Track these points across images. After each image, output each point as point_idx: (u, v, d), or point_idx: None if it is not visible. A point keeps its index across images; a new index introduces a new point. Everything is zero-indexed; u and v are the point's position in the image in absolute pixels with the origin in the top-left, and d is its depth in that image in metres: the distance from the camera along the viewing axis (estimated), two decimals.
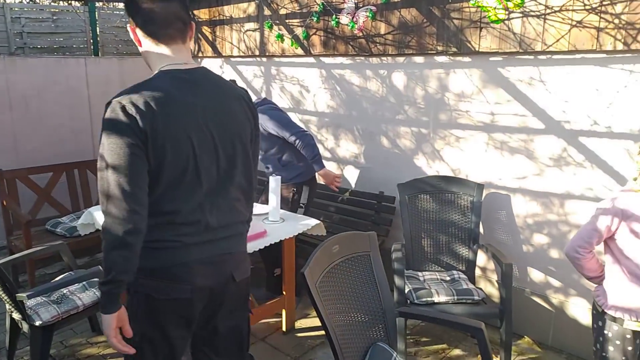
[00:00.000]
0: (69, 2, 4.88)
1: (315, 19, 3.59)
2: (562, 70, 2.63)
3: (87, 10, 5.07)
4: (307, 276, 1.70)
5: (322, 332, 2.93)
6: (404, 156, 3.40)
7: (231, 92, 1.58)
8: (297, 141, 3.06)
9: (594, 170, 2.58)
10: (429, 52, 3.11)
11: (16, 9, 4.81)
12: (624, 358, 1.85)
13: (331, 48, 3.62)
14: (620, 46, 2.38)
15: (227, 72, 4.56)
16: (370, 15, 3.25)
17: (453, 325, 1.98)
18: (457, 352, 2.76)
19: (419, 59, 3.21)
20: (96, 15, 5.17)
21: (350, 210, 3.60)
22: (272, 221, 2.84)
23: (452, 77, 3.07)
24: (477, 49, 2.87)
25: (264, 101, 3.34)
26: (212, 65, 4.66)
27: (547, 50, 2.62)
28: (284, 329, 2.95)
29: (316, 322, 3.09)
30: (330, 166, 3.88)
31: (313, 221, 2.88)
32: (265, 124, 3.11)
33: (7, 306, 2.41)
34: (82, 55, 5.12)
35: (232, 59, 4.47)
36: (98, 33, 5.20)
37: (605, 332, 1.89)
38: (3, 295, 2.29)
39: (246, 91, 1.69)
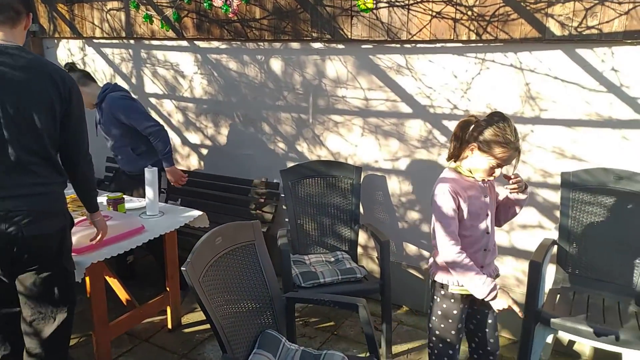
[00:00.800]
0: None
1: (187, 0, 3.42)
2: (425, 58, 2.83)
3: None
4: (189, 272, 1.64)
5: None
6: (285, 142, 3.42)
7: (38, 69, 1.79)
8: (151, 135, 3.05)
9: None
10: (305, 38, 3.14)
11: None
12: (450, 321, 1.92)
13: (205, 32, 3.48)
14: (473, 36, 2.63)
15: (89, 55, 4.16)
16: None
17: (337, 304, 2.07)
18: (345, 328, 2.90)
19: (296, 45, 3.23)
20: None
21: (234, 199, 3.55)
22: (151, 215, 2.69)
23: (328, 63, 3.14)
24: (349, 37, 2.97)
25: (115, 87, 3.16)
26: (72, 46, 4.23)
27: (412, 39, 2.80)
28: (169, 326, 2.84)
29: (203, 316, 3.02)
30: (211, 154, 3.77)
31: (195, 212, 2.78)
32: (116, 113, 3.04)
33: None
34: None
35: (94, 41, 4.09)
36: None
37: (435, 297, 1.96)
38: None
39: (66, 72, 1.90)
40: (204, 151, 3.82)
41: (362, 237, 3.19)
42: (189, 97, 3.76)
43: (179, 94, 3.81)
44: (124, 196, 2.76)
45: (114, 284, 2.78)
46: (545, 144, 2.58)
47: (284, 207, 3.45)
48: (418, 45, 2.84)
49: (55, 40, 4.33)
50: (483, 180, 1.87)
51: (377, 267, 3.19)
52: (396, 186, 3.07)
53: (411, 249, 3.09)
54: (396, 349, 2.69)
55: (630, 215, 2.34)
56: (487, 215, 1.91)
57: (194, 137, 3.83)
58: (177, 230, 2.70)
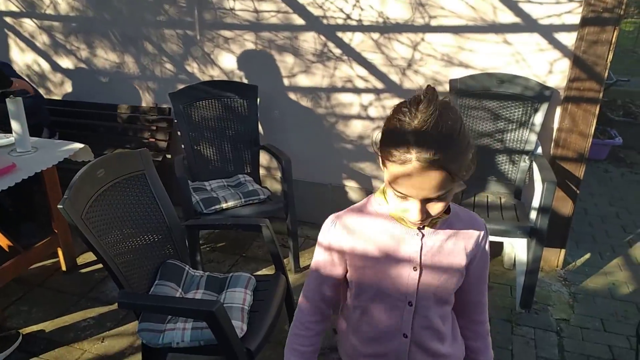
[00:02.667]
0: None
1: None
2: None
3: None
4: (68, 210, 1.48)
5: None
6: (173, 62, 3.15)
7: None
8: None
9: (351, 62, 2.80)
10: None
11: None
12: None
13: None
14: None
15: None
16: None
17: (239, 227, 2.04)
18: (253, 249, 2.91)
19: None
20: None
21: (123, 128, 3.27)
22: (22, 152, 2.39)
23: None
24: None
25: None
26: None
27: None
28: (63, 268, 2.65)
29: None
30: (88, 80, 3.38)
31: (76, 145, 2.52)
32: None
33: None
34: None
35: None
36: None
37: None
38: None
39: None
40: (80, 77, 3.41)
41: (264, 158, 3.13)
42: (53, 14, 3.27)
43: (40, 11, 3.29)
44: None
45: None
46: (434, 51, 2.62)
47: (179, 133, 3.26)
48: None
49: None
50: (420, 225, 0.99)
51: (280, 186, 3.19)
52: (294, 104, 3.00)
53: (312, 165, 3.10)
54: (304, 262, 2.77)
55: (510, 116, 2.51)
56: (406, 302, 1.04)
57: (65, 62, 3.39)
58: (56, 167, 2.44)
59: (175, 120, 3.03)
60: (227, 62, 3.03)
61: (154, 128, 3.19)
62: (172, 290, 1.78)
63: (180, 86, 3.09)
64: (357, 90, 2.85)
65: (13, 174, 2.18)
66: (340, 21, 2.73)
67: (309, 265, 2.73)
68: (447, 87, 2.62)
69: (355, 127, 2.92)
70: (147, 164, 1.90)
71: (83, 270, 2.69)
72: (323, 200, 3.13)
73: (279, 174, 3.19)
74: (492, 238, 2.28)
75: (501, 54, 2.52)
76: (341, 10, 2.70)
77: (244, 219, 2.02)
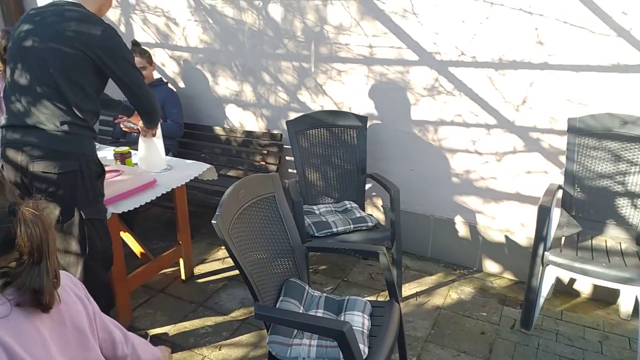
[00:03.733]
0: None
1: None
2: (431, 2, 2.77)
3: None
4: (220, 225, 1.66)
5: (223, 275, 2.96)
6: (287, 92, 3.37)
7: (62, 20, 1.87)
8: None
9: (462, 97, 2.85)
10: None
11: None
12: None
13: None
14: None
15: None
16: None
17: (357, 253, 2.12)
18: (354, 274, 2.99)
19: None
20: None
21: (238, 151, 3.53)
22: (159, 171, 2.67)
23: (330, 9, 3.05)
24: None
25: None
26: None
27: None
28: (183, 277, 2.89)
29: (215, 266, 3.08)
30: (210, 105, 3.70)
31: (204, 166, 2.77)
32: None
33: None
34: None
35: None
36: None
37: None
38: None
39: (93, 26, 1.89)
40: (201, 102, 3.74)
41: (367, 186, 3.23)
42: (184, 45, 3.64)
43: (172, 42, 3.68)
44: (131, 150, 2.72)
45: (128, 237, 2.79)
46: (552, 89, 2.60)
47: (288, 157, 3.46)
48: None
49: None
50: None
51: (382, 215, 3.26)
52: (401, 135, 3.08)
53: (415, 196, 3.15)
54: (406, 291, 2.80)
55: (633, 158, 2.41)
56: None
57: (190, 88, 3.74)
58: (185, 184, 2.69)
59: (287, 146, 3.23)
60: (338, 93, 3.19)
61: (265, 152, 3.41)
62: (295, 307, 1.89)
63: (292, 114, 3.30)
64: (466, 125, 2.88)
65: (154, 188, 2.44)
66: (453, 57, 2.80)
67: (411, 294, 2.78)
68: (563, 125, 2.58)
69: (462, 161, 2.94)
70: (276, 187, 2.06)
71: (199, 281, 2.91)
72: (424, 231, 3.15)
73: (380, 202, 3.27)
74: (609, 284, 2.19)
75: (624, 94, 2.44)
76: (456, 46, 2.77)
77: (362, 245, 2.10)
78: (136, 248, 2.77)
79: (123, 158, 2.63)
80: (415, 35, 2.86)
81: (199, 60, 3.62)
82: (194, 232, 3.16)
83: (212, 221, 1.65)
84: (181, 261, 2.85)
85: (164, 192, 2.46)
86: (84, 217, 1.95)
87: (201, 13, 3.47)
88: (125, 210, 2.23)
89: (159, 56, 3.76)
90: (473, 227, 3.02)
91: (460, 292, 2.81)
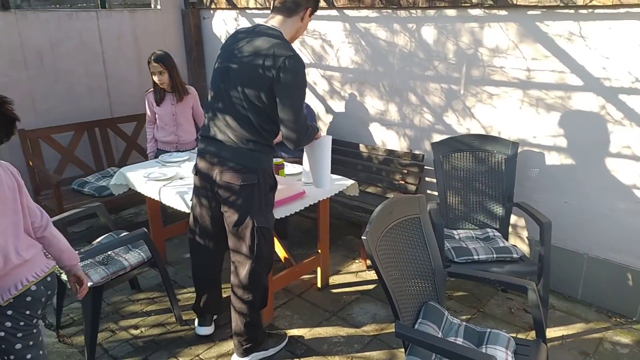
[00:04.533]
0: None
1: None
2: (604, 25, 2.56)
3: None
4: (368, 241, 1.73)
5: (356, 289, 3.04)
6: (433, 113, 3.37)
7: (262, 47, 2.02)
8: None
9: (633, 128, 2.58)
10: (463, 4, 3.01)
11: None
12: None
13: (356, 0, 3.49)
14: None
15: (242, 24, 4.41)
16: None
17: (502, 285, 2.03)
18: (491, 306, 2.86)
19: (451, 12, 3.11)
20: None
21: (378, 168, 3.61)
22: (307, 182, 2.85)
23: (486, 31, 2.99)
24: (514, 2, 2.78)
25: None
26: (227, 17, 4.51)
27: (589, 4, 2.54)
28: (319, 285, 3.03)
29: (348, 278, 3.18)
30: (355, 123, 3.85)
31: (348, 181, 2.89)
32: None
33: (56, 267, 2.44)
34: (89, 7, 4.92)
35: (247, 11, 4.32)
36: None
37: None
38: None
39: (286, 53, 1.99)
40: (347, 120, 3.91)
41: (513, 215, 3.07)
42: (335, 65, 3.84)
43: (325, 62, 3.91)
44: (284, 162, 2.94)
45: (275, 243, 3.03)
46: None
47: (428, 179, 3.45)
48: (597, 11, 2.57)
49: (212, 11, 4.65)
50: None
51: (527, 247, 3.07)
52: (556, 163, 2.88)
53: (568, 231, 2.91)
54: (550, 333, 2.59)
55: None
56: None
57: (338, 106, 3.93)
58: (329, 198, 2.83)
59: (428, 167, 3.22)
60: (487, 117, 3.10)
61: (406, 171, 3.44)
62: (433, 331, 1.88)
63: (437, 136, 3.28)
64: (636, 158, 2.59)
65: (303, 199, 2.62)
66: (626, 83, 2.55)
67: (556, 337, 2.56)
68: None
69: (628, 197, 2.65)
70: (422, 209, 2.08)
71: (333, 291, 3.03)
72: (575, 270, 2.89)
73: (526, 233, 3.08)
74: None
75: None
76: (629, 72, 2.52)
77: (509, 277, 2.01)
78: (281, 253, 2.98)
79: (277, 169, 2.86)
80: (581, 59, 2.67)
81: (348, 80, 3.80)
82: (330, 243, 3.30)
83: (362, 237, 1.73)
84: (319, 270, 2.99)
85: (311, 204, 2.62)
86: (256, 225, 2.17)
87: (355, 36, 3.64)
88: (277, 218, 2.42)
89: (312, 75, 4.02)
90: (636, 272, 2.69)
91: (615, 342, 2.52)
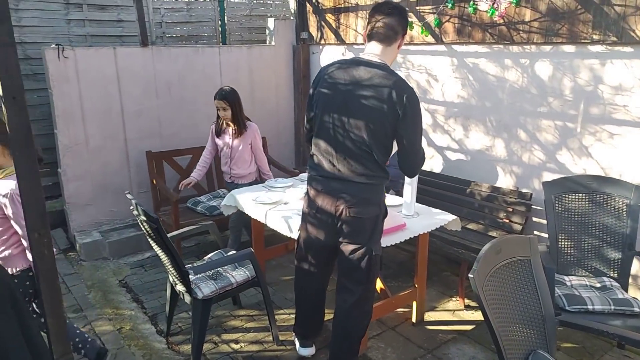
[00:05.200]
0: None
1: (450, 5, 3.49)
2: None
3: (217, 0, 5.35)
4: (476, 279, 1.69)
5: (452, 328, 2.95)
6: (544, 151, 3.22)
7: (381, 82, 2.05)
8: None
9: None
10: (582, 41, 2.89)
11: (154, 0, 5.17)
12: None
13: (466, 36, 3.50)
14: None
15: None
16: (515, 1, 3.09)
17: (625, 340, 1.86)
18: None
19: (569, 48, 2.99)
20: (224, 5, 5.44)
21: (481, 205, 3.50)
22: (407, 215, 2.85)
23: (608, 68, 2.83)
24: None
25: None
26: (335, 52, 4.72)
27: None
28: (413, 320, 2.98)
29: (445, 316, 3.09)
30: (457, 157, 3.79)
31: (449, 216, 2.84)
32: None
33: (171, 278, 2.68)
34: (211, 43, 5.43)
35: (355, 47, 4.49)
36: (226, 22, 5.48)
37: None
38: (171, 268, 2.55)
39: (405, 87, 2.06)
40: (450, 154, 3.86)
41: (634, 265, 2.80)
42: (440, 100, 3.84)
43: (429, 96, 3.92)
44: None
45: None
46: None
47: (535, 219, 3.28)
48: None
49: (321, 47, 4.90)
50: None
51: None
52: None
53: None
54: None
55: None
56: None
57: (440, 139, 3.91)
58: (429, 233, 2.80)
59: (535, 207, 3.06)
60: (607, 157, 2.90)
61: (511, 210, 3.29)
62: None
63: (547, 174, 3.13)
64: None
65: (403, 231, 2.62)
66: None
67: None
68: None
69: None
70: (534, 251, 1.99)
71: (428, 327, 2.96)
72: None
73: None
74: None
75: None
76: None
77: (629, 332, 1.84)
78: (377, 284, 2.99)
79: None
80: None
81: (452, 114, 3.77)
82: (426, 278, 3.24)
83: (469, 275, 1.70)
84: (414, 304, 2.95)
85: (411, 237, 2.61)
86: (373, 253, 2.24)
87: (462, 70, 3.62)
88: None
89: None
90: None
91: None
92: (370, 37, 2.13)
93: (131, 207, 2.56)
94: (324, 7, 4.66)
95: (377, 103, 2.05)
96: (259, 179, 3.78)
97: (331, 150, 2.16)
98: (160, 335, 2.91)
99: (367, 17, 2.16)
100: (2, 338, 1.60)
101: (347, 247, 2.24)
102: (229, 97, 3.51)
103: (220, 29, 5.48)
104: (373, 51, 2.12)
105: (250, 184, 3.63)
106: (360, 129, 2.08)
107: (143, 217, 2.44)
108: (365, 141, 2.09)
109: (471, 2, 3.31)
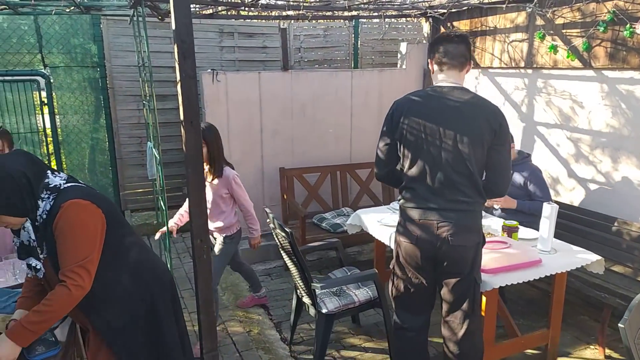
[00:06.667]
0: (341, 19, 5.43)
1: (602, 29, 3.24)
2: None
3: (352, 25, 5.59)
4: (627, 330, 1.55)
5: None
6: None
7: (476, 105, 2.11)
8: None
9: None
10: None
11: (295, 27, 5.56)
12: None
13: (620, 61, 3.21)
14: None
15: (482, 83, 4.47)
16: None
17: None
18: None
19: None
20: (358, 30, 5.66)
21: (629, 246, 3.15)
22: (543, 250, 2.68)
23: None
24: None
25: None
26: (468, 76, 4.62)
27: None
28: None
29: None
30: (602, 191, 3.46)
31: (593, 256, 2.61)
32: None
33: (299, 290, 2.83)
34: (343, 66, 5.68)
35: (490, 70, 4.37)
36: (359, 46, 5.69)
37: None
38: (299, 280, 2.71)
39: (498, 109, 2.13)
40: (593, 187, 3.54)
41: None
42: (585, 129, 3.56)
43: (572, 124, 3.65)
44: (519, 225, 2.84)
45: (501, 308, 2.91)
46: None
47: None
48: None
49: None
50: None
51: None
52: None
53: None
54: None
55: None
56: None
57: (583, 171, 3.61)
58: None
59: None
60: None
61: None
62: None
63: None
64: None
65: (537, 268, 2.47)
66: None
67: None
68: None
69: None
70: None
71: None
72: None
73: None
74: None
75: None
76: None
77: None
78: (503, 319, 2.84)
79: (510, 231, 2.78)
80: None
81: (599, 145, 3.46)
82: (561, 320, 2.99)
83: (619, 325, 1.56)
84: (547, 347, 2.74)
85: (547, 275, 2.45)
86: (477, 282, 2.18)
87: (614, 98, 3.33)
88: (508, 284, 2.35)
89: (556, 136, 3.80)
90: None
91: None
92: (442, 64, 2.17)
93: (267, 220, 2.78)
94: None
95: (474, 126, 2.07)
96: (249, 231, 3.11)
97: (430, 179, 2.12)
98: (284, 342, 3.08)
99: (433, 46, 2.21)
100: (167, 338, 1.81)
101: (451, 278, 2.16)
102: (206, 135, 2.86)
103: (353, 52, 5.72)
104: (451, 78, 2.16)
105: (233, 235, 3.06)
106: (459, 154, 2.08)
107: (278, 230, 2.64)
108: (466, 166, 2.08)
109: (627, 26, 3.05)
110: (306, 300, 2.76)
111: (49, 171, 1.68)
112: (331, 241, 3.18)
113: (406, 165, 2.18)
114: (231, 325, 3.25)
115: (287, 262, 2.79)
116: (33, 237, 1.65)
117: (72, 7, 3.70)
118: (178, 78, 1.59)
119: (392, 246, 2.84)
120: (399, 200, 2.28)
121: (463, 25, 4.55)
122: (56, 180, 1.65)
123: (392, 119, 2.19)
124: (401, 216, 2.24)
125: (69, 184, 1.66)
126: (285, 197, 4.29)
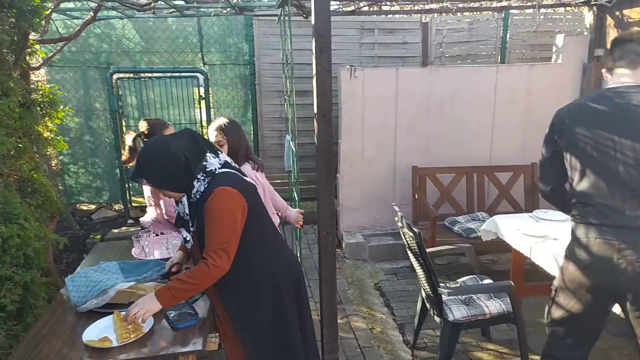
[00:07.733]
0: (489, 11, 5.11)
1: None
2: None
3: (501, 18, 5.22)
4: None
5: None
6: None
7: None
8: None
9: None
10: None
11: (438, 21, 5.36)
12: None
13: None
14: None
15: None
16: None
17: None
18: None
19: None
20: (508, 22, 5.26)
21: None
22: None
23: None
24: None
25: None
26: None
27: None
28: None
29: None
30: None
31: None
32: None
33: (424, 292, 2.73)
34: (489, 61, 5.33)
35: None
36: (507, 40, 5.29)
37: None
38: (425, 283, 2.60)
39: None
40: None
41: None
42: None
43: None
44: None
45: None
46: None
47: None
48: None
49: None
50: None
51: None
52: None
53: None
54: None
55: None
56: None
57: None
58: None
59: None
60: None
61: None
62: None
63: None
64: None
65: None
66: None
67: None
68: None
69: None
70: None
71: None
72: None
73: None
74: None
75: None
76: None
77: None
78: None
79: None
80: None
81: None
82: None
83: None
84: None
85: None
86: None
87: None
88: None
89: None
90: None
91: None
92: (618, 66, 1.95)
93: (396, 219, 2.72)
94: (630, 20, 4.01)
95: None
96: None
97: (609, 195, 1.82)
98: (406, 345, 3.00)
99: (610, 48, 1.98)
100: (293, 334, 1.85)
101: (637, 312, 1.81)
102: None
103: (500, 47, 5.34)
104: (629, 78, 1.92)
105: None
106: None
107: (406, 230, 2.57)
108: None
109: None
110: (429, 304, 2.65)
111: (208, 152, 1.81)
112: (462, 246, 3.00)
113: (576, 178, 1.92)
114: (354, 320, 3.27)
115: (413, 263, 2.71)
116: (187, 211, 1.83)
117: (228, 9, 4.04)
118: (314, 71, 1.62)
119: (533, 258, 2.59)
120: (570, 218, 1.97)
121: (636, 14, 3.93)
122: (214, 163, 1.79)
123: (560, 132, 1.95)
124: (571, 236, 1.95)
125: (223, 170, 1.79)
126: (416, 196, 4.18)
